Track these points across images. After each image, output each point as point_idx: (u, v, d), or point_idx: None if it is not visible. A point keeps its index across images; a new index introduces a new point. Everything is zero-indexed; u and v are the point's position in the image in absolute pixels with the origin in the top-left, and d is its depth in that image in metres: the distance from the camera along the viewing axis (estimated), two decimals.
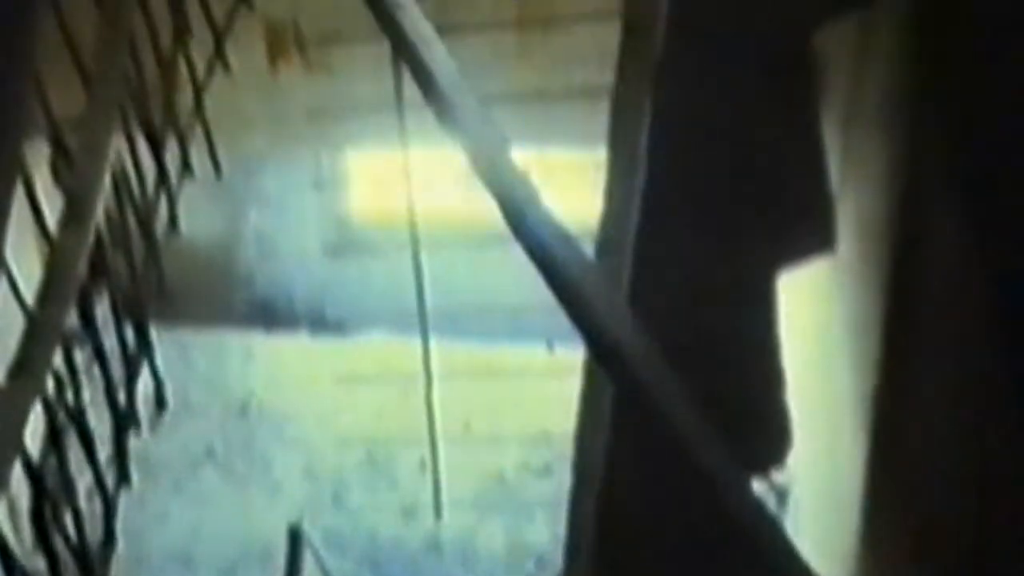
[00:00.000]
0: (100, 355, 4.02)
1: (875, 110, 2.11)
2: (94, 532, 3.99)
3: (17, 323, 3.59)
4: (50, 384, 3.64)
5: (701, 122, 2.38)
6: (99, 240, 3.87)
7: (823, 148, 2.24)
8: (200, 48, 4.35)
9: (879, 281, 2.18)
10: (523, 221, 2.44)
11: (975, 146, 1.86)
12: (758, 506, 2.17)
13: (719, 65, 2.30)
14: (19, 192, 3.52)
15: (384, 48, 2.86)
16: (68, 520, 3.81)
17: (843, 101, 2.22)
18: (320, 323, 4.72)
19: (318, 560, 3.72)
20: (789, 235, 2.29)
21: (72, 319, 3.78)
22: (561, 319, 2.29)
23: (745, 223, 2.35)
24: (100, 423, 4.05)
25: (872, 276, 2.20)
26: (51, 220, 3.80)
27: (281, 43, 4.76)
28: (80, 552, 3.85)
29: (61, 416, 3.79)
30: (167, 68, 4.24)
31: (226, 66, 4.41)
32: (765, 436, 2.50)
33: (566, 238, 2.40)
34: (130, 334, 4.21)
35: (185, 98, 4.37)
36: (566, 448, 2.73)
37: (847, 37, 2.16)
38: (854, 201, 2.20)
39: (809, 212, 2.24)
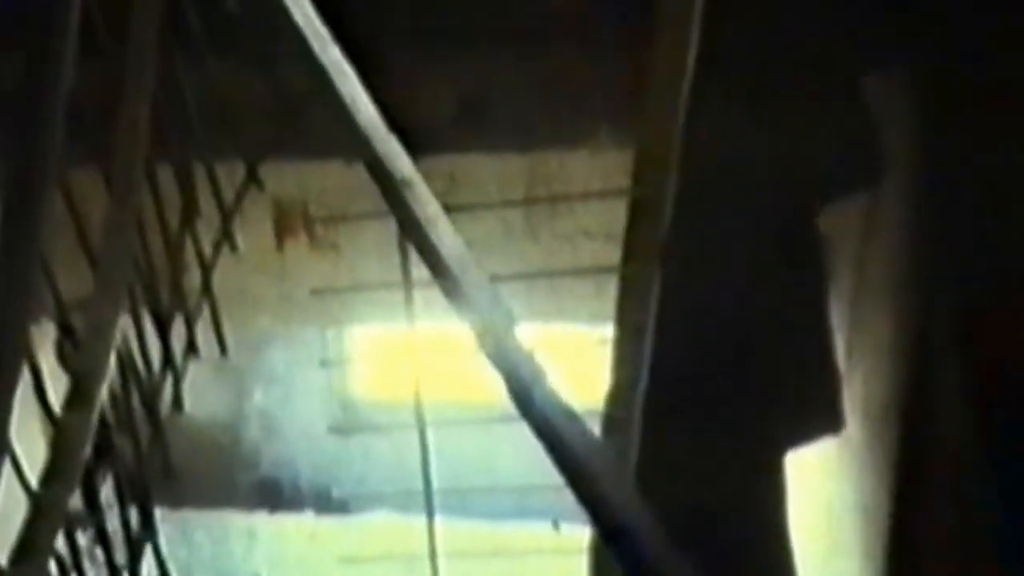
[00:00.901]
0: (103, 537, 4.00)
1: (881, 290, 2.13)
2: None
3: (20, 505, 3.58)
4: (53, 567, 3.62)
5: (708, 301, 2.40)
6: (103, 421, 3.87)
7: (830, 327, 2.26)
8: (208, 227, 4.39)
9: (886, 461, 2.17)
10: (529, 399, 2.45)
11: (981, 328, 1.88)
12: None
13: (725, 245, 2.34)
14: (24, 373, 3.54)
15: (391, 226, 2.89)
16: None
17: (849, 281, 2.24)
18: (325, 502, 4.71)
19: None
20: (796, 415, 2.29)
21: (76, 500, 3.77)
22: (567, 498, 2.29)
23: (753, 402, 2.37)
24: None
25: (880, 456, 2.20)
26: (56, 401, 3.81)
27: (289, 222, 4.82)
28: None
29: None
30: (174, 248, 4.28)
31: (233, 245, 4.45)
32: None
33: (573, 416, 2.41)
34: (134, 515, 4.20)
35: (192, 278, 4.40)
36: None
37: (852, 217, 2.19)
38: (862, 380, 2.21)
39: (817, 391, 2.25)
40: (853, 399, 2.27)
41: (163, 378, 4.40)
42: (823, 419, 2.30)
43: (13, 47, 3.41)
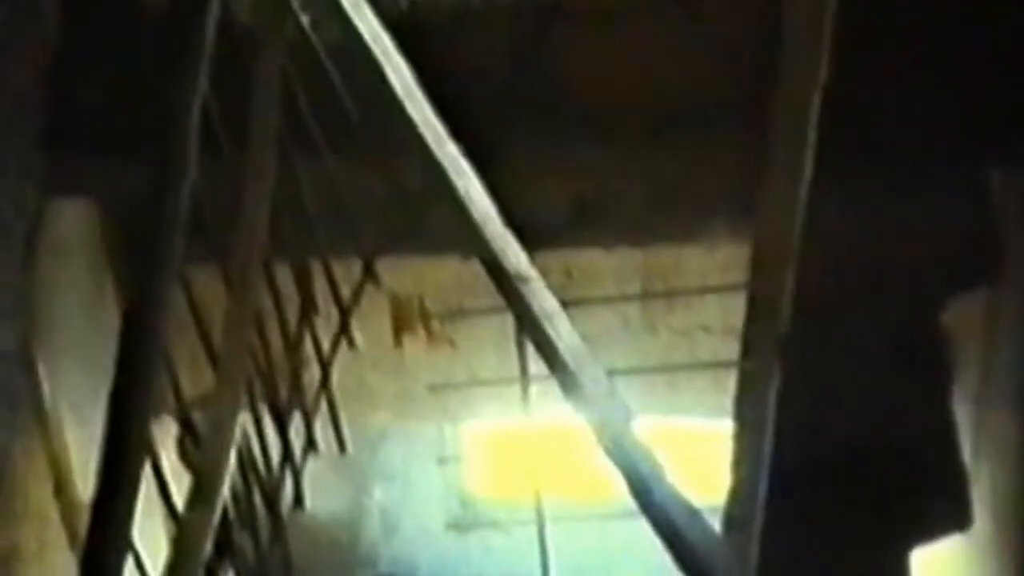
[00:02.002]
0: None
1: (1007, 386, 2.10)
2: None
3: None
4: None
5: (830, 398, 2.38)
6: (225, 518, 3.90)
7: (955, 424, 2.23)
8: (326, 324, 4.44)
9: (1014, 557, 2.14)
10: (649, 495, 2.44)
11: None
12: None
13: (847, 341, 2.32)
14: (146, 471, 3.58)
15: (508, 322, 2.90)
16: None
17: (974, 377, 2.21)
18: None
19: None
20: (922, 512, 2.26)
21: None
22: None
23: (878, 499, 2.34)
24: None
25: (1008, 552, 2.17)
26: (178, 498, 3.85)
27: (406, 318, 4.85)
28: None
29: None
30: (293, 345, 4.32)
31: (351, 342, 4.49)
32: None
33: (693, 513, 2.40)
34: None
35: (310, 374, 4.44)
36: None
37: (975, 313, 2.17)
38: (989, 477, 2.18)
39: (943, 488, 2.22)
40: (980, 496, 2.24)
41: (283, 475, 4.42)
42: (949, 516, 2.27)
43: (138, 151, 3.49)
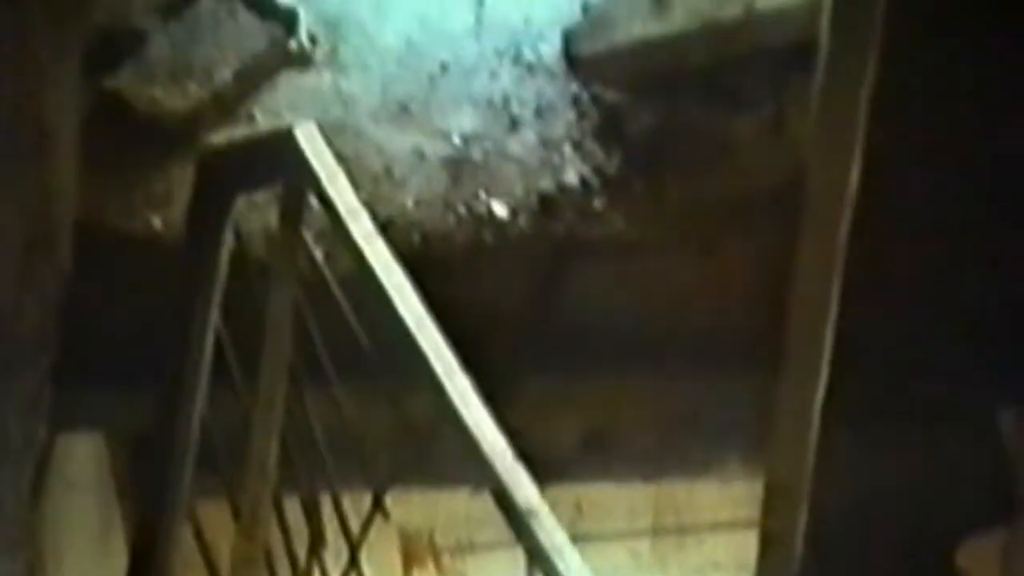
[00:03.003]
0: None
1: None
2: None
3: None
4: None
5: None
6: None
7: None
8: (335, 558, 4.40)
9: None
10: None
11: None
12: None
13: None
14: None
15: (518, 556, 2.88)
16: None
17: None
18: None
19: None
20: None
21: None
22: None
23: None
24: None
25: None
26: None
27: (416, 552, 4.83)
28: None
29: None
30: None
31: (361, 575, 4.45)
32: None
33: None
34: None
35: None
36: None
37: (990, 553, 2.15)
38: None
39: None
40: None
41: None
42: None
43: (148, 384, 3.51)
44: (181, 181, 3.95)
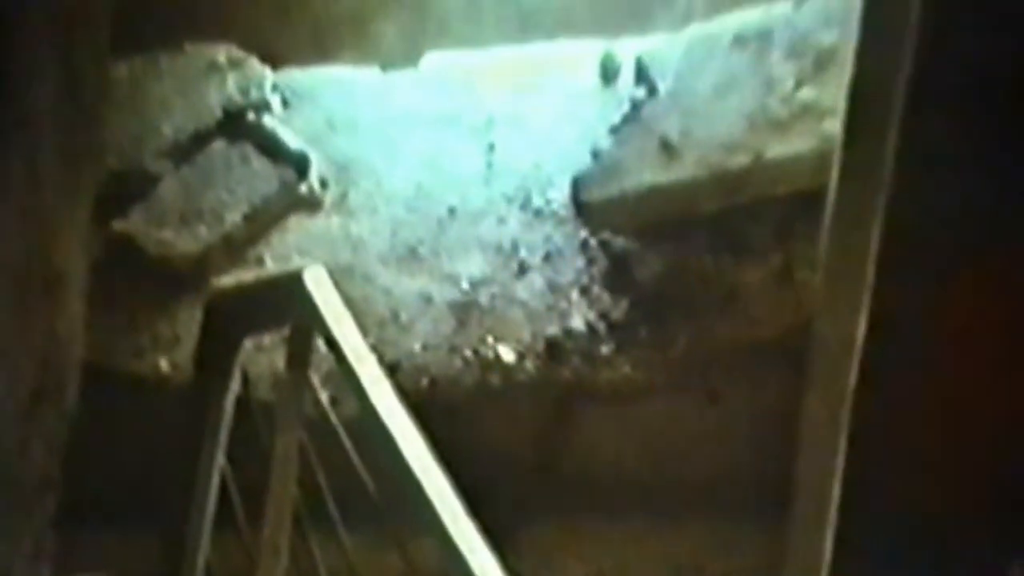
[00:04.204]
0: None
1: None
2: None
3: None
4: None
5: None
6: None
7: None
8: None
9: None
10: None
11: None
12: None
13: None
14: None
15: None
16: None
17: None
18: None
19: None
20: None
21: None
22: None
23: None
24: None
25: None
26: None
27: None
28: None
29: None
30: None
31: None
32: None
33: None
34: None
35: None
36: None
37: None
38: None
39: None
40: None
41: None
42: None
43: (152, 526, 3.50)
44: (189, 323, 3.97)
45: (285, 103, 4.68)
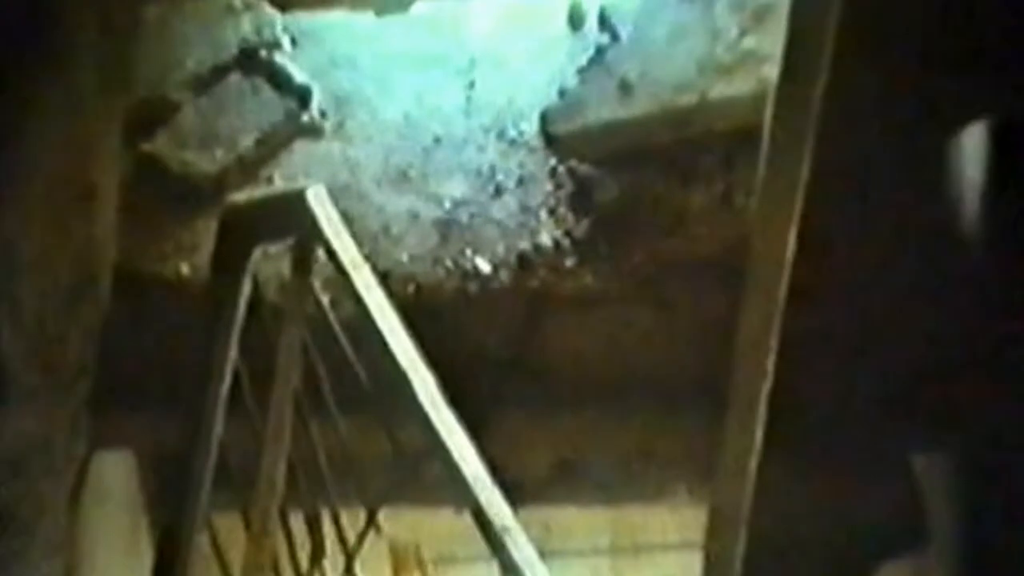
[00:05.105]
0: None
1: None
2: None
3: None
4: None
5: None
6: None
7: None
8: (333, 567, 4.38)
9: None
10: None
11: None
12: None
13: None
14: None
15: (493, 569, 2.88)
16: None
17: None
18: None
19: None
20: None
21: None
22: None
23: None
24: None
25: None
26: None
27: (404, 563, 4.80)
28: None
29: None
30: None
31: None
32: None
33: None
34: None
35: None
36: None
37: (903, 573, 2.16)
38: None
39: None
40: None
41: None
42: None
43: (173, 409, 3.50)
44: (206, 233, 3.95)
45: (293, 42, 4.63)
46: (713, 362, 2.73)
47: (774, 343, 2.37)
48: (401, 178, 4.30)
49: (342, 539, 4.38)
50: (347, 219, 3.49)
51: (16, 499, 3.31)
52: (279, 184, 4.27)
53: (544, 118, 4.30)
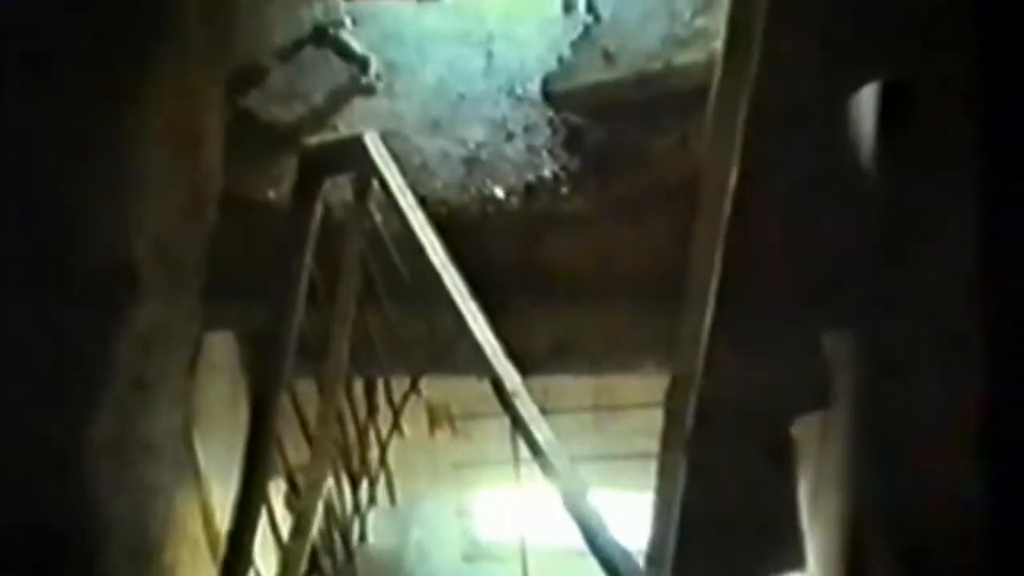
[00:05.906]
0: None
1: (832, 476, 2.10)
2: None
3: None
4: None
5: (719, 479, 2.38)
6: (314, 548, 3.87)
7: (798, 500, 2.23)
8: (384, 420, 4.43)
9: None
10: (597, 541, 2.43)
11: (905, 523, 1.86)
12: None
13: (730, 443, 2.33)
14: (263, 514, 3.56)
15: (506, 423, 2.90)
16: None
17: (811, 468, 2.21)
18: None
19: None
20: (774, 555, 2.24)
21: None
22: None
23: (746, 545, 2.32)
24: None
25: None
26: (284, 533, 3.83)
27: (438, 417, 4.85)
28: None
29: None
30: (362, 433, 4.31)
31: (400, 432, 4.48)
32: None
33: (626, 554, 2.38)
34: None
35: (374, 453, 4.42)
36: None
37: (813, 428, 2.17)
38: (816, 537, 2.16)
39: (788, 541, 2.21)
40: (812, 549, 2.20)
41: (353, 520, 4.38)
42: (791, 560, 2.23)
43: (264, 300, 3.51)
44: (288, 168, 3.94)
45: (353, 22, 4.59)
46: (675, 266, 2.72)
47: (720, 250, 2.37)
48: (435, 126, 4.27)
49: (390, 400, 4.45)
50: (395, 157, 3.48)
51: (148, 367, 3.34)
52: (343, 130, 4.25)
53: (545, 80, 4.27)
